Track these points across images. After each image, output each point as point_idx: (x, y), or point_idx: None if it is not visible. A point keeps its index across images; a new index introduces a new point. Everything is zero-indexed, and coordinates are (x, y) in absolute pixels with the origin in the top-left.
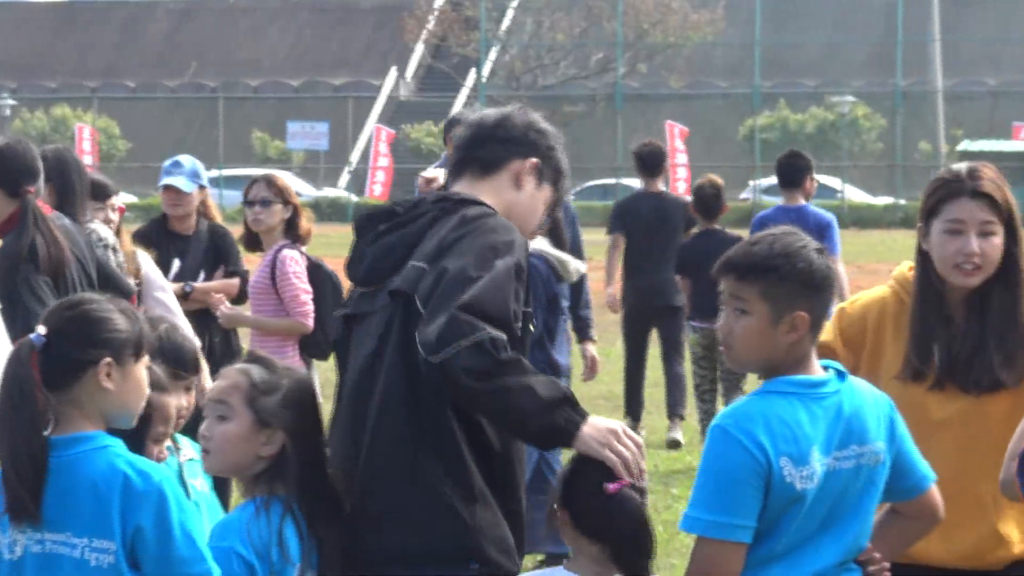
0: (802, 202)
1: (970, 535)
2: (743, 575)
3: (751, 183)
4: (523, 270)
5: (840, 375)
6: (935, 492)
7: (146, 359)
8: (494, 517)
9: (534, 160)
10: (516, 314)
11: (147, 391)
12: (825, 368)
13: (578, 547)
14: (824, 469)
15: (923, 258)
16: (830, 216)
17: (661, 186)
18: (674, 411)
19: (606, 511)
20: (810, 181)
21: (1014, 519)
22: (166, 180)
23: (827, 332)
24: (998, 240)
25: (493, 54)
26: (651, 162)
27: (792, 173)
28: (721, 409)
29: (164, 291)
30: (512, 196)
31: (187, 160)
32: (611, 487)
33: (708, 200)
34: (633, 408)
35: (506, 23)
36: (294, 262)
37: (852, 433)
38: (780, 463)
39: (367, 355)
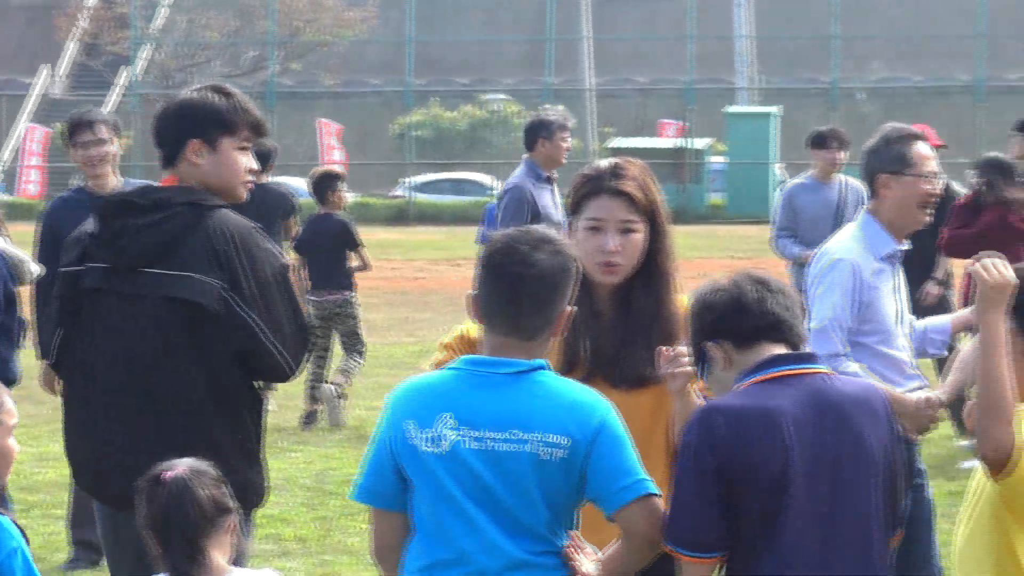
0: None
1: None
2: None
3: (404, 180)
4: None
5: (539, 367)
6: (655, 504)
7: None
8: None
9: (197, 140)
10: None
11: None
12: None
13: None
14: (469, 444)
15: None
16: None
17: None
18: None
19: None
20: None
21: None
22: None
23: (476, 328)
24: (639, 237)
25: (147, 52)
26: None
27: None
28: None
29: None
30: (198, 172)
31: None
32: None
33: (320, 187)
34: None
35: (160, 21)
36: None
37: (515, 418)
38: (404, 424)
39: (150, 351)
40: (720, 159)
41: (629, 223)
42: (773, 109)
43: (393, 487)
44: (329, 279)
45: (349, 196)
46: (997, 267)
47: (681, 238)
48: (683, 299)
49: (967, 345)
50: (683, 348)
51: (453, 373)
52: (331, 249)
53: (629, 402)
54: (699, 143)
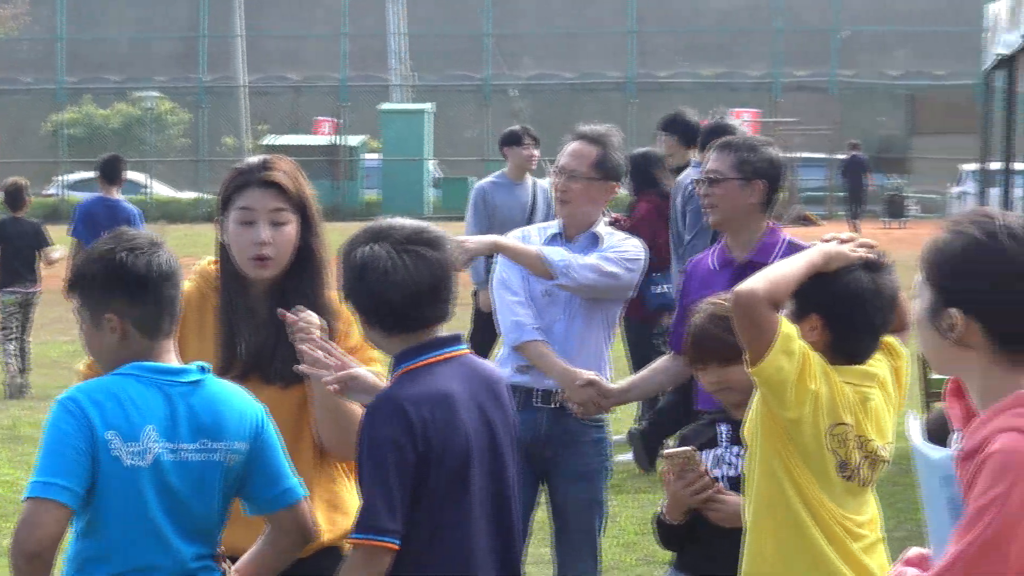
0: (117, 196)
1: None
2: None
3: (57, 178)
4: None
5: (203, 370)
6: (304, 508)
7: None
8: None
9: None
10: None
11: None
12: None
13: None
14: (167, 456)
15: (224, 251)
16: (137, 210)
17: None
18: None
19: None
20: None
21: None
22: None
23: None
24: (289, 229)
25: None
26: None
27: (110, 170)
28: None
29: None
30: None
31: None
32: None
33: (14, 195)
34: None
35: None
36: None
37: (203, 428)
38: (106, 435)
39: None
40: (375, 156)
41: (280, 212)
42: (427, 106)
43: (84, 490)
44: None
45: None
46: None
47: (336, 235)
48: (335, 295)
49: (661, 360)
50: (311, 316)
51: (140, 383)
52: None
53: (282, 398)
54: (353, 140)
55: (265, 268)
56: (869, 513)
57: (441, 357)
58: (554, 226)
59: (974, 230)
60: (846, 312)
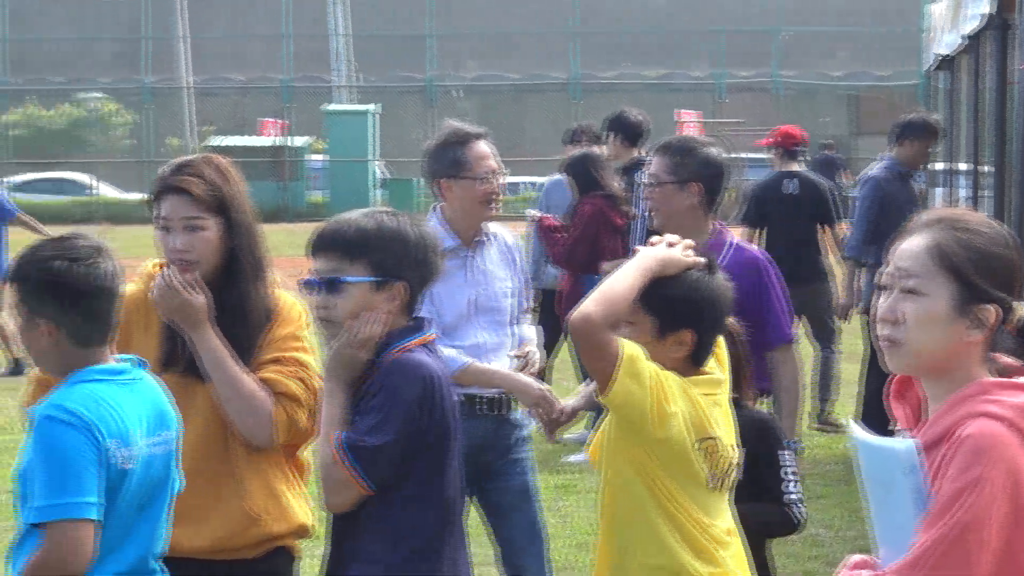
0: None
1: (219, 520)
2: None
3: (2, 180)
4: None
5: (140, 364)
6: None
7: None
8: None
9: None
10: None
11: None
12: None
13: None
14: (143, 453)
15: None
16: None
17: None
18: None
19: None
20: None
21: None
22: None
23: None
24: (208, 234)
25: None
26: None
27: None
28: None
29: None
30: None
31: None
32: None
33: None
34: None
35: None
36: None
37: (160, 420)
38: (110, 444)
39: None
40: (320, 157)
41: (194, 219)
42: (371, 107)
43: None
44: None
45: None
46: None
47: (282, 236)
48: (284, 294)
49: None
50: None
51: (115, 386)
52: None
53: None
54: (299, 141)
55: (188, 272)
56: (730, 520)
57: (425, 339)
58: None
59: (984, 228)
60: (716, 319)
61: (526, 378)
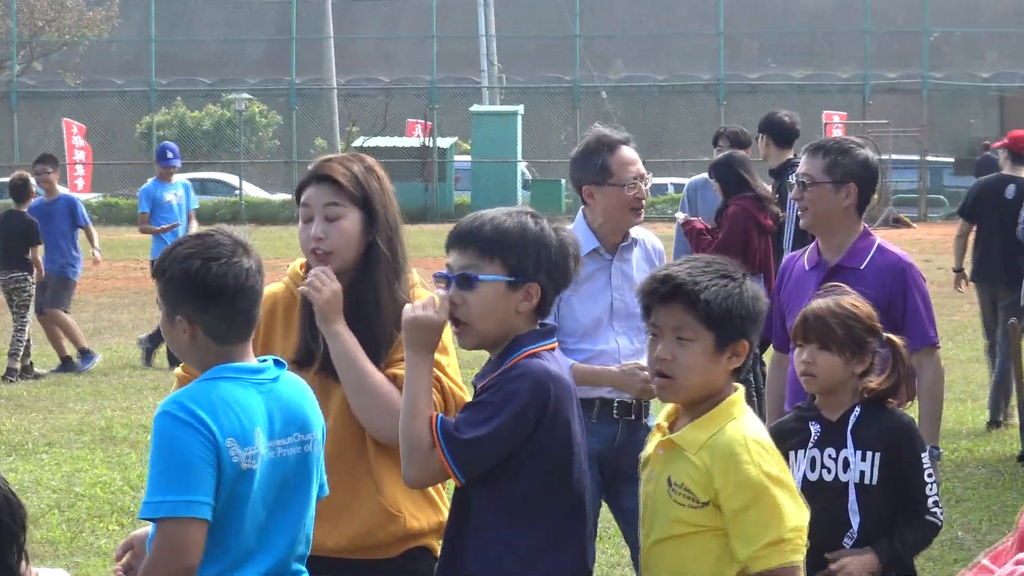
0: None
1: (358, 517)
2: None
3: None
4: None
5: (279, 364)
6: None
7: None
8: None
9: None
10: None
11: None
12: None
13: None
14: (269, 454)
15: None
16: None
17: None
18: None
19: None
20: None
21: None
22: None
23: None
24: (346, 224)
25: None
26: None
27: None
28: None
29: None
30: None
31: None
32: None
33: (19, 188)
34: None
35: None
36: None
37: (294, 421)
38: (226, 443)
39: None
40: (465, 158)
41: (333, 207)
42: (517, 108)
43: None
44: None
45: (95, 197)
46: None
47: (427, 237)
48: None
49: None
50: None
51: (239, 385)
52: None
53: None
54: (444, 142)
55: (323, 262)
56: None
57: (552, 346)
58: None
59: None
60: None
61: (629, 367)
